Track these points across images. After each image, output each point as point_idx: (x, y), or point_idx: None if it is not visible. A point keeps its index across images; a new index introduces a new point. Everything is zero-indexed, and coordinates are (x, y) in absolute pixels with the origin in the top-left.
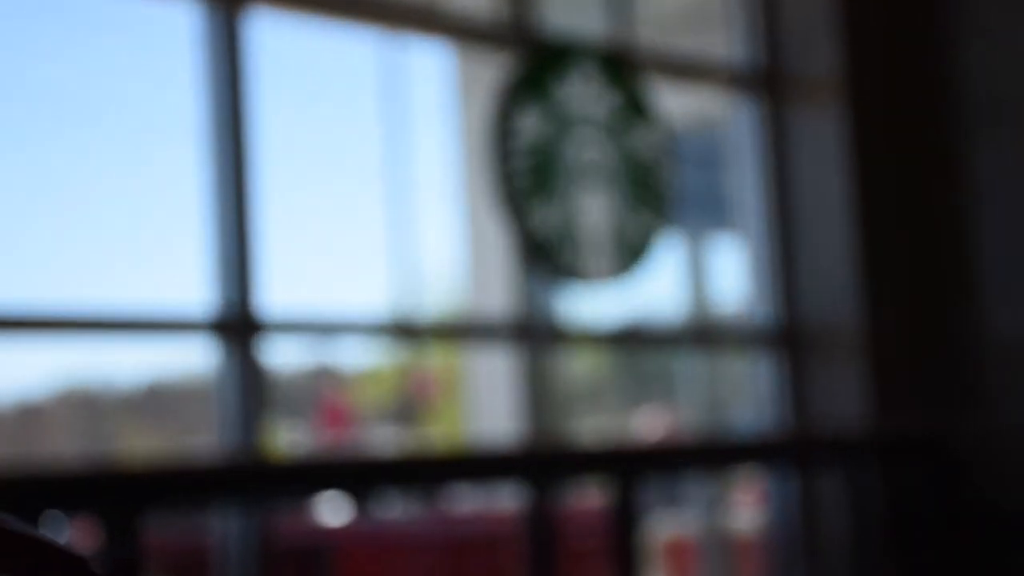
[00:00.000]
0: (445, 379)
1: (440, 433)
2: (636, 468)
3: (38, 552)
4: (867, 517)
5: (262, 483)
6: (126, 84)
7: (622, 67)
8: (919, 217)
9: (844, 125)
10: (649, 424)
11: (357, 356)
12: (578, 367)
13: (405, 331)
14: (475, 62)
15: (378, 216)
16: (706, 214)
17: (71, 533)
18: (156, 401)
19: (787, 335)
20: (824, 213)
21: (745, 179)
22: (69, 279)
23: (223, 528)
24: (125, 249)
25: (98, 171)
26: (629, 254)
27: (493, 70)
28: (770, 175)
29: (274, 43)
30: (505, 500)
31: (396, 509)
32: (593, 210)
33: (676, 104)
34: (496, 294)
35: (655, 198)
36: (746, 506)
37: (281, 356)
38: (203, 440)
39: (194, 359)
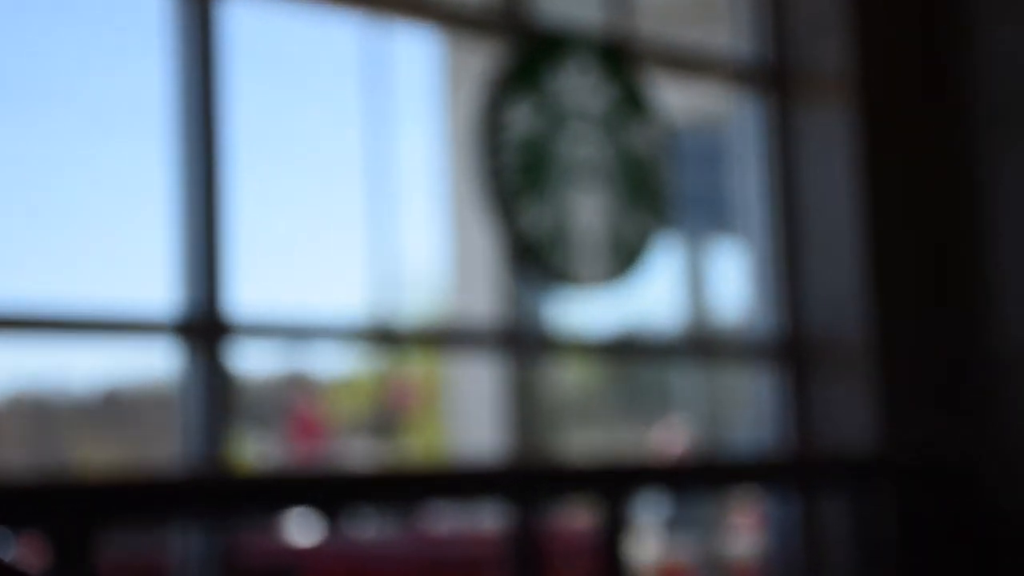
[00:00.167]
0: (425, 389)
1: (419, 446)
2: (627, 487)
3: None
4: (875, 543)
5: (227, 498)
6: (88, 71)
7: (620, 59)
8: (931, 222)
9: (853, 124)
10: (666, 439)
11: (331, 363)
12: (568, 378)
13: (383, 337)
14: (464, 51)
15: (357, 213)
16: (706, 216)
17: (19, 550)
18: (114, 409)
19: (791, 347)
20: (831, 217)
21: (748, 180)
22: (21, 274)
23: (184, 546)
24: (83, 243)
25: (56, 160)
26: (624, 258)
27: (483, 59)
28: (775, 176)
29: (249, 27)
30: (488, 519)
31: (370, 528)
32: (587, 210)
33: (677, 99)
34: (482, 298)
35: (653, 199)
36: (745, 530)
37: (250, 361)
38: (164, 451)
39: (156, 363)
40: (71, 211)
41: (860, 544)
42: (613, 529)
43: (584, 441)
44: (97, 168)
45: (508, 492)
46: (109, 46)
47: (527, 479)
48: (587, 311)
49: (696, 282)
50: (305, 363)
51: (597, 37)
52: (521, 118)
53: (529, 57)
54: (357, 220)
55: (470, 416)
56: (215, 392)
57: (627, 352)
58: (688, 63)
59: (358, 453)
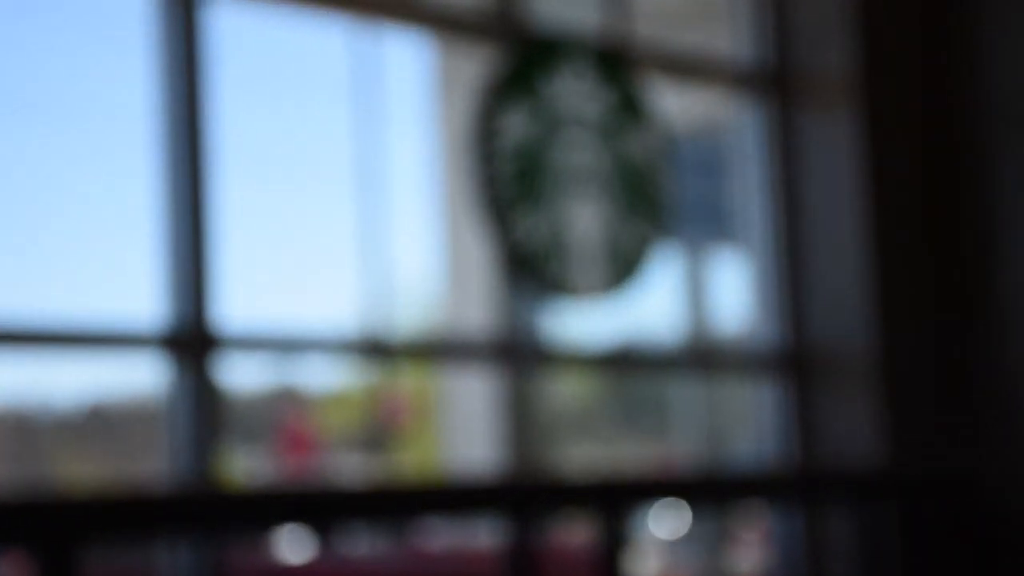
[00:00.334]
0: (418, 403)
1: (412, 462)
2: (626, 502)
3: None
4: (880, 561)
5: (215, 514)
6: (71, 76)
7: (617, 64)
8: (939, 230)
9: (858, 129)
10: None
11: (322, 376)
12: (565, 391)
13: (375, 349)
14: (457, 56)
15: (348, 223)
16: (706, 225)
17: (2, 568)
18: (99, 424)
19: (794, 359)
20: (835, 225)
21: (749, 187)
22: (2, 288)
23: (171, 564)
24: (66, 254)
25: (38, 168)
26: (622, 268)
27: (476, 65)
28: (777, 183)
29: (235, 32)
30: (483, 535)
31: (363, 544)
32: (583, 219)
33: (675, 105)
34: (476, 310)
35: (651, 207)
36: (748, 546)
37: (239, 375)
38: (151, 467)
39: (142, 377)
40: (53, 222)
41: (864, 558)
42: (612, 545)
43: (581, 455)
44: (79, 178)
45: (504, 507)
46: (90, 53)
47: (523, 494)
48: (584, 322)
49: (696, 292)
50: (295, 376)
51: (593, 41)
52: (516, 125)
53: (524, 62)
54: (348, 230)
55: (464, 430)
56: (203, 406)
57: (625, 364)
58: (687, 67)
59: (350, 468)
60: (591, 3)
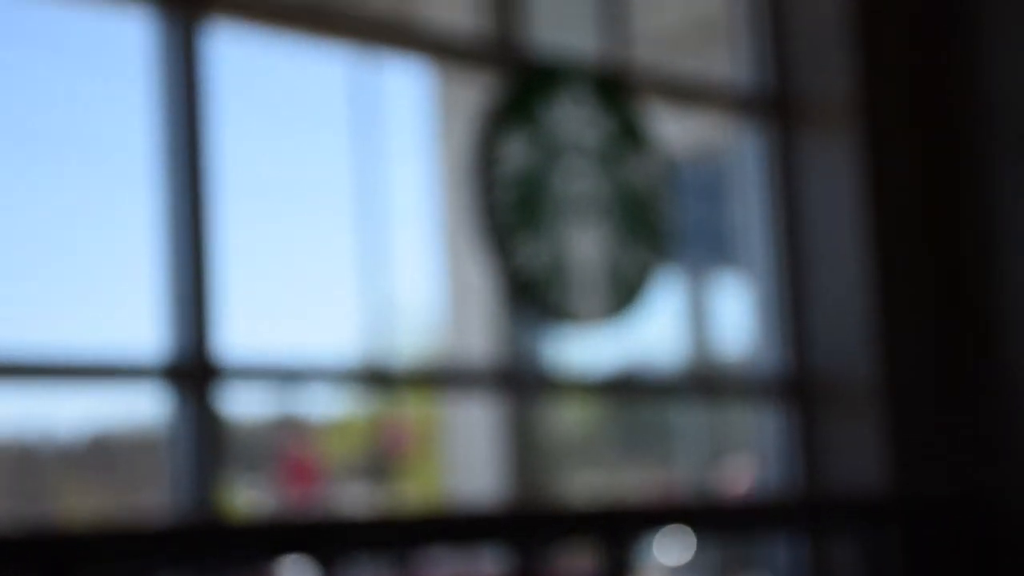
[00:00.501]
0: (421, 431)
1: (415, 490)
2: (629, 529)
3: None
4: None
5: (217, 545)
6: (71, 105)
7: (616, 89)
8: (942, 254)
9: (860, 153)
10: (733, 477)
11: (324, 405)
12: (567, 418)
13: (377, 378)
14: (456, 83)
15: (349, 251)
16: (708, 250)
17: None
18: (101, 454)
19: (797, 385)
20: (838, 250)
21: (751, 212)
22: (3, 320)
23: None
24: (67, 285)
25: (38, 199)
26: (623, 294)
27: (476, 92)
28: (778, 208)
29: (235, 60)
30: (487, 565)
31: (366, 574)
32: (584, 246)
33: (675, 130)
34: (478, 338)
35: (652, 233)
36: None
37: (240, 405)
38: (153, 497)
39: (144, 408)
40: (54, 253)
41: None
42: (615, 572)
43: (584, 482)
44: (80, 209)
45: (508, 536)
46: (91, 85)
47: (527, 522)
48: (586, 349)
49: (698, 318)
50: (297, 406)
51: (593, 67)
52: (516, 152)
53: (523, 89)
54: (349, 258)
55: (467, 458)
56: (205, 436)
57: (628, 391)
58: (686, 92)
59: (352, 497)
60: (590, 29)
